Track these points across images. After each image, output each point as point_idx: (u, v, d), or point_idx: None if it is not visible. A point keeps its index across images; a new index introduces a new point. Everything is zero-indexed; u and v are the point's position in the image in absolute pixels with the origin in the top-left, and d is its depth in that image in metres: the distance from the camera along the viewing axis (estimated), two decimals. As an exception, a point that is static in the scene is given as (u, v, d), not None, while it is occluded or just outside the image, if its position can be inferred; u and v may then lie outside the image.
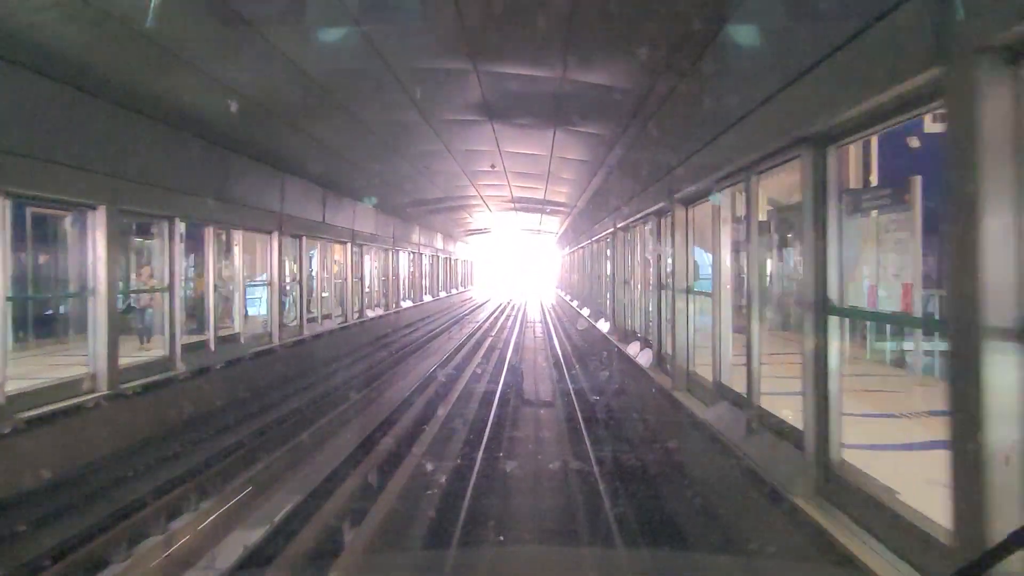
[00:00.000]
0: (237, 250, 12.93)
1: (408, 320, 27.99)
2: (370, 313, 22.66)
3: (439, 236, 37.30)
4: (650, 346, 11.05)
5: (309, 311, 17.34)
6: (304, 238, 16.30)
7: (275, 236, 14.45)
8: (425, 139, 13.55)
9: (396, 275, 27.55)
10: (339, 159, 15.07)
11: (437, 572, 2.35)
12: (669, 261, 9.48)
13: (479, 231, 41.91)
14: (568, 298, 34.21)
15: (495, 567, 2.50)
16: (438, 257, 37.97)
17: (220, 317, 13.86)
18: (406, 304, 28.86)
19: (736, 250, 7.28)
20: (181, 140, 10.70)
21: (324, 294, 19.65)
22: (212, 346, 11.66)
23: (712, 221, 6.97)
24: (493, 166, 16.62)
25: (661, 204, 9.36)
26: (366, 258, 23.22)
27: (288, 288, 16.59)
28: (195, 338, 11.87)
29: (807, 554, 4.07)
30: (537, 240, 54.18)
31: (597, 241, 19.57)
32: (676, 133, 8.29)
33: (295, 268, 17.53)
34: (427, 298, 34.38)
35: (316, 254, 19.13)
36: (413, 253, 31.02)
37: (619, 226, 14.01)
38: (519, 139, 13.74)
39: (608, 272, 17.08)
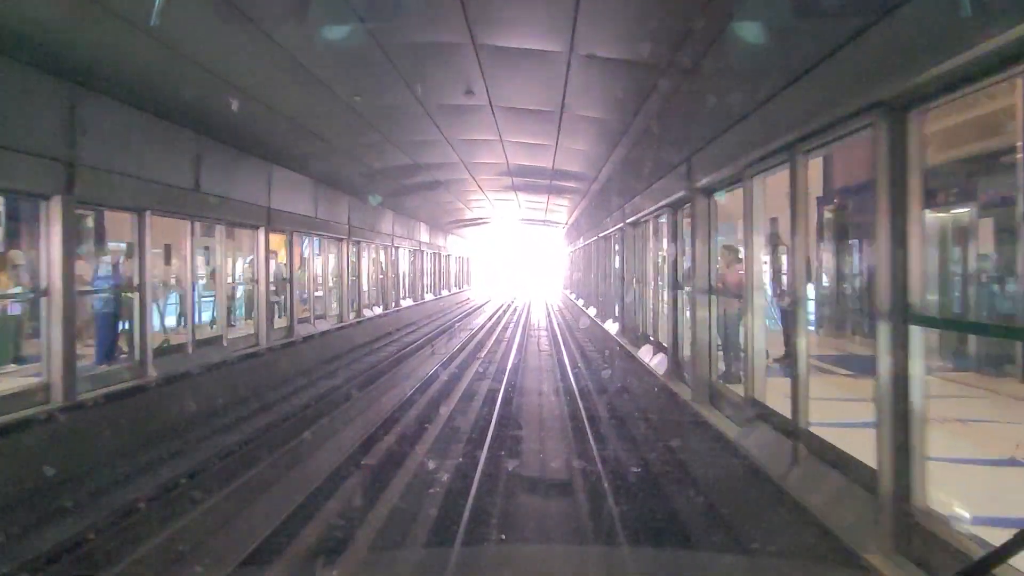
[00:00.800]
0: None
1: (375, 334, 21.26)
2: (306, 330, 15.93)
3: (423, 227, 30.58)
4: (803, 438, 4.28)
5: (159, 336, 10.70)
6: (149, 214, 9.57)
7: (55, 205, 7.74)
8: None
9: (358, 274, 20.87)
10: (208, 75, 8.37)
11: (440, 571, 2.13)
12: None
13: (474, 222, 35.23)
14: (582, 303, 27.46)
15: (498, 566, 2.45)
16: (422, 252, 31.24)
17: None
18: (373, 312, 22.12)
19: None
20: None
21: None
22: None
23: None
24: (470, 92, 9.88)
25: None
26: (297, 251, 16.57)
27: (109, 296, 9.97)
28: None
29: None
30: (542, 235, 48.10)
31: (635, 223, 12.86)
32: None
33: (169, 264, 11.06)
34: (406, 303, 27.65)
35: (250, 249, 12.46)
36: (385, 247, 24.32)
37: (702, 183, 7.26)
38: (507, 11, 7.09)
39: (665, 269, 10.33)
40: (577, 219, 27.21)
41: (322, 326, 17.07)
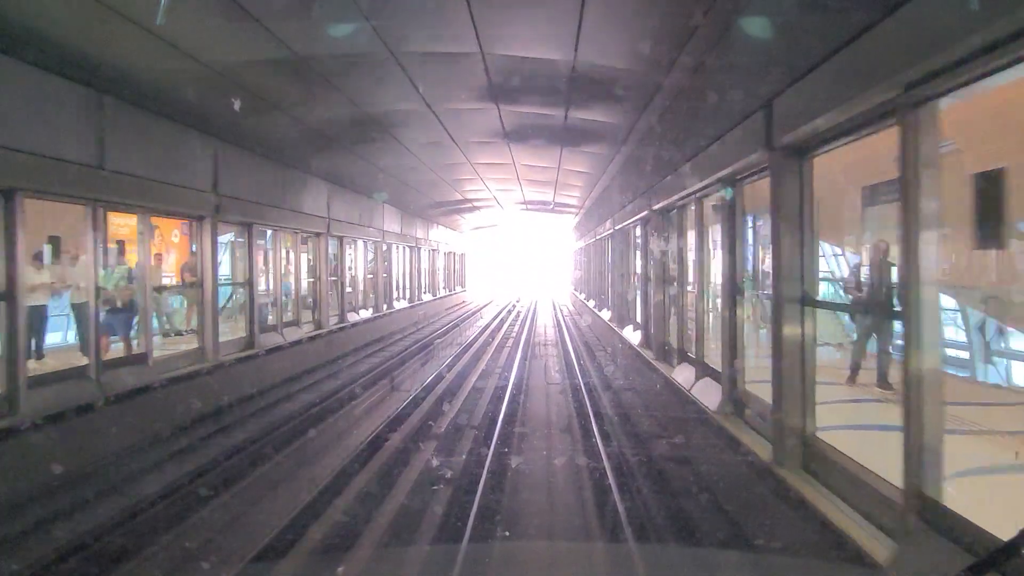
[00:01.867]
0: None
1: (292, 370, 13.17)
2: (45, 399, 7.84)
3: (388, 211, 22.45)
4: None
5: None
6: None
7: None
8: None
9: (249, 279, 12.82)
10: None
11: (447, 568, 2.07)
12: None
13: (461, 205, 27.19)
14: (607, 316, 19.32)
15: (504, 563, 2.43)
16: (389, 246, 23.19)
17: None
18: (285, 339, 13.96)
19: None
20: None
21: None
22: None
23: None
24: None
25: None
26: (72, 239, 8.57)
27: None
28: None
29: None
30: (550, 229, 40.45)
31: (734, 179, 4.74)
32: None
33: None
34: (359, 316, 19.51)
35: None
36: (316, 235, 16.24)
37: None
38: None
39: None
40: (601, 194, 19.05)
41: (150, 376, 8.95)
